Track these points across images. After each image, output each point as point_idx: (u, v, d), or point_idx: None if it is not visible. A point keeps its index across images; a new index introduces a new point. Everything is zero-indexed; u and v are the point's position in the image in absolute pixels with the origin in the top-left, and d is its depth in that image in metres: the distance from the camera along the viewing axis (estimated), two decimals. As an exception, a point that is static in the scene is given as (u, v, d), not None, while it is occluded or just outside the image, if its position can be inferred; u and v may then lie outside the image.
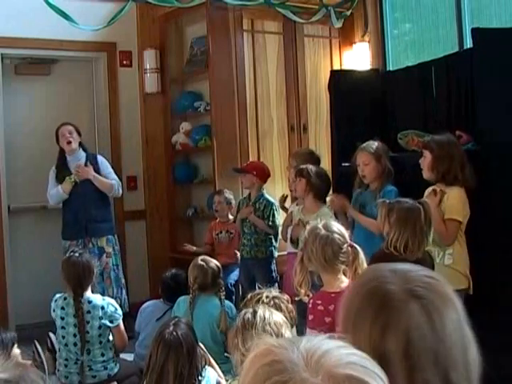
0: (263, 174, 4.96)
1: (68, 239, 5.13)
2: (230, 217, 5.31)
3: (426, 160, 3.76)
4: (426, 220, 3.19)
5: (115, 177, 5.30)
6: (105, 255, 5.13)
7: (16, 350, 2.80)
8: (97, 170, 5.20)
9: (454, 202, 3.63)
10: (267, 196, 4.96)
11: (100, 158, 5.34)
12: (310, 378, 0.79)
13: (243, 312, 2.39)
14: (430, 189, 3.80)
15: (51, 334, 3.92)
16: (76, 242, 5.05)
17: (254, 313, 2.30)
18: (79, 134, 5.22)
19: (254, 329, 2.24)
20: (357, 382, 0.79)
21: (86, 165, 5.16)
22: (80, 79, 6.09)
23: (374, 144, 4.19)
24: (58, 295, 3.83)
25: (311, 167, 4.40)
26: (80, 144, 5.24)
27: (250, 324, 2.27)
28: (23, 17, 5.42)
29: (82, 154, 5.24)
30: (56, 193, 5.15)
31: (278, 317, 2.32)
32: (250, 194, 5.01)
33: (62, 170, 5.17)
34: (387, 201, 3.36)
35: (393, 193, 4.02)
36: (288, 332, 2.29)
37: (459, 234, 3.66)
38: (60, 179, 5.16)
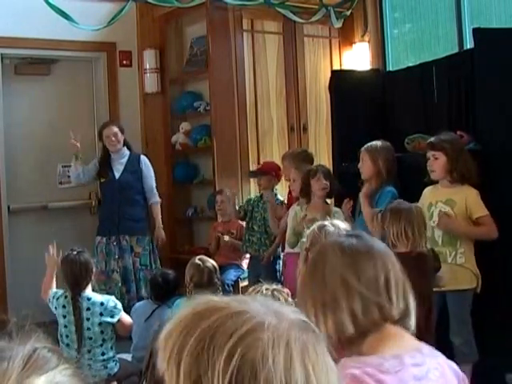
0: (279, 174, 5.02)
1: (101, 235, 5.19)
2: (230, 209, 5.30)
3: (438, 162, 3.72)
4: (418, 217, 3.27)
5: (154, 184, 5.35)
6: (133, 254, 5.16)
7: None
8: (139, 171, 5.27)
9: (476, 200, 3.65)
10: (279, 196, 5.02)
11: (143, 159, 5.39)
12: (281, 323, 0.83)
13: None
14: (429, 188, 3.81)
15: None
16: (108, 239, 5.13)
17: None
18: (123, 132, 5.29)
19: None
20: (303, 325, 0.86)
21: (127, 163, 5.25)
22: (80, 79, 6.09)
23: (375, 144, 4.20)
24: (59, 292, 3.81)
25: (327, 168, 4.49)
26: (124, 142, 5.31)
27: None
28: (23, 17, 5.42)
29: (126, 153, 5.32)
30: (73, 172, 5.31)
31: None
32: (261, 194, 5.04)
33: (105, 167, 5.27)
34: (377, 210, 3.44)
35: (390, 194, 4.03)
36: None
37: None
38: (102, 175, 5.27)
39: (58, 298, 3.78)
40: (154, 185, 5.38)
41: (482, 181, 3.69)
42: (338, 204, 4.40)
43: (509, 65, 3.83)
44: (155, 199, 5.37)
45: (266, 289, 2.57)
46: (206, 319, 0.85)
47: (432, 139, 3.81)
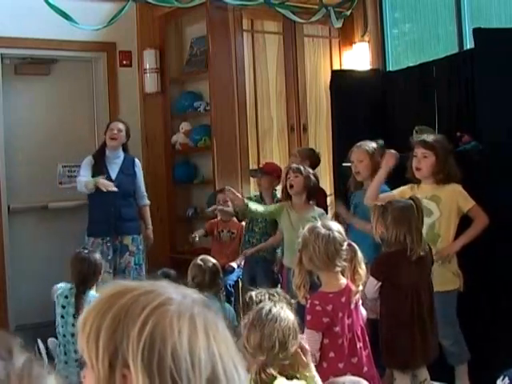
0: (280, 175, 4.96)
1: (94, 236, 5.12)
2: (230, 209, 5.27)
3: (427, 161, 3.74)
4: (419, 216, 3.25)
5: (144, 187, 5.40)
6: (127, 253, 5.16)
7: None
8: (133, 174, 5.30)
9: (462, 193, 3.67)
10: (279, 197, 4.96)
11: (137, 162, 5.42)
12: (185, 299, 0.97)
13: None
14: (409, 186, 3.83)
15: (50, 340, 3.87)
16: (102, 240, 5.08)
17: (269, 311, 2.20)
18: (128, 135, 5.32)
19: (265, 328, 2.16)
20: (204, 303, 1.01)
21: (122, 165, 5.25)
22: (80, 79, 6.08)
23: (369, 143, 4.22)
24: (65, 287, 3.80)
25: (307, 168, 4.42)
26: (123, 144, 5.31)
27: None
28: (23, 17, 5.41)
29: (121, 154, 5.31)
30: (83, 185, 5.17)
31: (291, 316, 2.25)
32: (261, 193, 4.99)
33: (99, 162, 5.23)
34: (379, 203, 3.39)
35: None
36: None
37: (452, 230, 3.69)
38: (94, 171, 5.20)
39: (67, 297, 3.76)
40: (144, 187, 5.43)
41: (482, 180, 3.70)
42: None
43: (509, 65, 3.83)
44: (146, 201, 5.43)
45: (260, 294, 2.58)
46: (120, 299, 0.97)
47: (424, 137, 3.82)
